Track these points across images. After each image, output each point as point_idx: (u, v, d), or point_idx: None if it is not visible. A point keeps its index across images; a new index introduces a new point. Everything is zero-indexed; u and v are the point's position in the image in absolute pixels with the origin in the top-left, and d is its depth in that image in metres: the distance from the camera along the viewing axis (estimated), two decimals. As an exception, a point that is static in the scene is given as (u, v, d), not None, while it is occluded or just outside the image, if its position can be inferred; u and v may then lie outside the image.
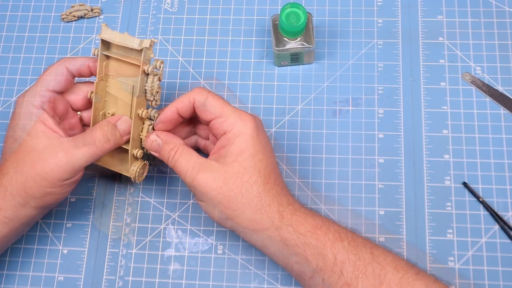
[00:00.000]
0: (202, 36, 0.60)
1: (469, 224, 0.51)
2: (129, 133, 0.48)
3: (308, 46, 0.54)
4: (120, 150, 0.50)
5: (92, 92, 0.49)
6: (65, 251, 0.53)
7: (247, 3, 0.61)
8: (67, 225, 0.54)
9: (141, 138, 0.50)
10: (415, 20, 0.59)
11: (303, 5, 0.59)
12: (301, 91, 0.57)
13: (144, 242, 0.53)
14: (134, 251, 0.53)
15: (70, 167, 0.45)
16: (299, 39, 0.54)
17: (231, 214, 0.44)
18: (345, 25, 0.59)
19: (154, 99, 0.49)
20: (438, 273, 0.49)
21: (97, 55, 0.48)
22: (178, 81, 0.58)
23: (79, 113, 0.52)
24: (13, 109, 0.58)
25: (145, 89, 0.48)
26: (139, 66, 0.47)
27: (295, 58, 0.56)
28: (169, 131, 0.49)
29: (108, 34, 0.47)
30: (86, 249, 0.53)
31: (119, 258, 0.53)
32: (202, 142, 0.52)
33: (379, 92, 0.56)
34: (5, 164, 0.46)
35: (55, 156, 0.44)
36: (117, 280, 0.52)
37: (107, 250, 0.53)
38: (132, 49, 0.47)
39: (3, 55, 0.61)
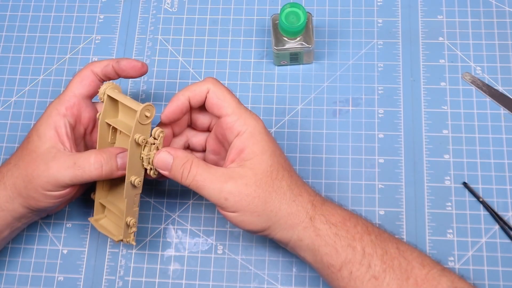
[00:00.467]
0: (202, 36, 0.60)
1: (469, 224, 0.51)
2: (125, 169, 0.45)
3: (308, 46, 0.54)
4: (116, 217, 0.48)
5: (99, 114, 0.47)
6: (65, 251, 0.53)
7: (247, 3, 0.61)
8: (67, 225, 0.54)
9: (142, 158, 0.45)
10: (415, 20, 0.59)
11: (303, 5, 0.59)
12: (301, 91, 0.57)
13: (144, 242, 0.53)
14: (134, 251, 0.53)
15: (54, 180, 0.44)
16: (298, 38, 0.54)
17: (269, 215, 0.43)
18: (345, 25, 0.59)
19: (151, 168, 0.46)
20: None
21: (98, 119, 0.46)
22: (178, 81, 0.58)
23: None
24: (13, 109, 0.59)
25: (142, 157, 0.45)
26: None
27: (295, 58, 0.56)
28: (174, 121, 0.47)
29: (113, 93, 0.46)
30: (86, 249, 0.53)
31: (119, 258, 0.53)
32: (197, 155, 0.50)
33: (379, 92, 0.56)
34: (12, 156, 0.47)
35: (46, 165, 0.44)
36: (117, 280, 0.52)
37: (107, 250, 0.53)
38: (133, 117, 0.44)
39: (3, 55, 0.61)
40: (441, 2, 0.59)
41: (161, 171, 0.45)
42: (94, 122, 0.49)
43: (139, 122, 0.44)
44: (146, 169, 0.46)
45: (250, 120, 0.44)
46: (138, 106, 0.44)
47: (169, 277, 0.52)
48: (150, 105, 0.44)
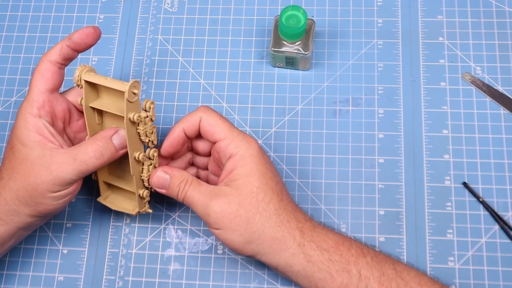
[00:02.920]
0: (202, 36, 0.60)
1: (469, 224, 0.51)
2: (125, 147, 0.46)
3: (304, 53, 0.54)
4: (125, 192, 0.50)
5: (82, 99, 0.46)
6: (65, 251, 0.53)
7: (247, 3, 0.61)
8: (67, 225, 0.54)
9: (142, 179, 0.48)
10: (415, 20, 0.59)
11: (303, 6, 0.59)
12: (301, 91, 0.57)
13: (144, 242, 0.53)
14: (134, 251, 0.53)
15: (60, 180, 0.44)
16: (296, 43, 0.54)
17: (251, 236, 0.43)
18: (345, 25, 0.59)
19: (150, 139, 0.47)
20: (438, 273, 0.49)
21: (82, 104, 0.46)
22: (178, 81, 0.58)
23: None
24: (13, 109, 0.59)
25: (138, 133, 0.46)
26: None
27: (290, 62, 0.56)
28: (174, 154, 0.49)
29: (92, 78, 0.45)
30: (86, 249, 0.53)
31: (119, 258, 0.53)
32: (202, 173, 0.51)
33: (379, 92, 0.56)
34: (1, 169, 0.46)
35: (46, 169, 0.44)
36: (117, 280, 0.52)
37: (107, 250, 0.53)
38: (118, 96, 0.45)
39: (3, 55, 0.61)
40: (441, 2, 0.59)
41: (158, 190, 0.48)
42: (70, 112, 0.48)
43: (129, 101, 0.44)
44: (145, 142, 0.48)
45: (242, 143, 0.45)
46: (123, 86, 0.44)
47: (169, 277, 0.52)
48: (135, 81, 0.44)
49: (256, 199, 0.43)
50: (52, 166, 0.44)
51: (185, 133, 0.47)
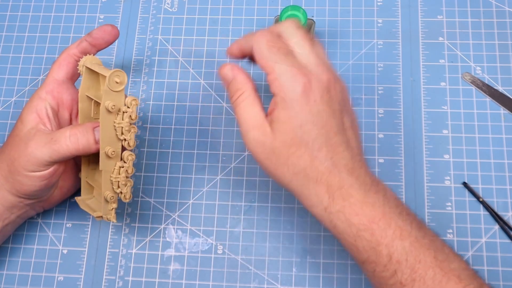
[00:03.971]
0: (202, 36, 0.60)
1: (469, 224, 0.51)
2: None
3: None
4: (98, 191, 0.49)
5: (82, 66, 0.46)
6: (65, 251, 0.53)
7: (247, 3, 0.61)
8: (67, 225, 0.54)
9: (112, 181, 0.46)
10: (415, 20, 0.59)
11: (303, 7, 0.59)
12: (301, 91, 0.57)
13: (144, 242, 0.53)
14: (134, 251, 0.53)
15: (33, 158, 0.44)
16: None
17: (279, 180, 0.41)
18: (345, 25, 0.59)
19: (125, 139, 0.45)
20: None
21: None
22: (178, 81, 0.58)
23: None
24: (13, 109, 0.59)
25: (114, 126, 0.44)
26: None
27: None
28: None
29: (90, 64, 0.45)
30: (86, 249, 0.53)
31: (119, 258, 0.53)
32: None
33: (379, 92, 0.56)
34: (2, 145, 0.48)
35: (26, 145, 0.45)
36: (117, 280, 0.52)
37: (107, 250, 0.53)
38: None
39: (3, 55, 0.61)
40: (441, 2, 0.59)
41: (221, 81, 0.44)
42: (77, 103, 0.49)
43: (110, 89, 0.43)
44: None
45: (287, 83, 0.40)
46: (108, 73, 0.43)
47: (169, 277, 0.52)
48: (119, 70, 0.43)
49: (288, 152, 0.40)
50: (30, 143, 0.45)
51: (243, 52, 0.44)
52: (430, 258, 0.38)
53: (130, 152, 0.46)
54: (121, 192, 0.47)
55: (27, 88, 0.59)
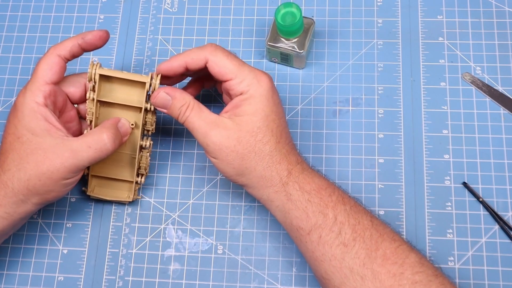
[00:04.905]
0: (202, 36, 0.60)
1: (469, 224, 0.51)
2: (128, 134, 0.49)
3: (299, 51, 0.54)
4: (118, 183, 0.52)
5: (89, 94, 0.48)
6: (65, 251, 0.53)
7: (247, 3, 0.61)
8: (67, 225, 0.54)
9: (140, 166, 0.52)
10: (415, 20, 0.59)
11: (303, 7, 0.59)
12: (301, 91, 0.57)
13: (144, 242, 0.53)
14: (134, 251, 0.53)
15: (75, 167, 0.45)
16: (293, 41, 0.54)
17: (243, 171, 0.45)
18: (345, 25, 0.59)
19: (151, 128, 0.50)
20: (438, 273, 0.49)
21: (91, 99, 0.48)
22: (178, 81, 0.58)
23: (76, 105, 0.51)
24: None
25: (146, 121, 0.50)
26: (137, 107, 0.49)
27: (285, 59, 0.56)
28: (168, 79, 0.50)
29: (106, 71, 0.48)
30: (86, 249, 0.53)
31: (119, 258, 0.53)
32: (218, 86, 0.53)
33: (379, 92, 0.56)
34: (5, 161, 0.46)
35: (61, 156, 0.44)
36: (117, 280, 0.52)
37: (107, 250, 0.53)
38: (126, 90, 0.49)
39: (3, 55, 0.61)
40: (441, 2, 0.59)
41: (160, 109, 0.48)
42: (65, 102, 0.50)
43: (147, 93, 0.48)
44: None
45: (253, 81, 0.45)
46: (144, 78, 0.48)
47: (169, 277, 0.52)
48: (154, 74, 0.48)
49: (255, 139, 0.45)
50: (66, 154, 0.45)
51: (186, 67, 0.48)
52: (367, 221, 0.43)
53: (150, 138, 0.51)
54: (145, 172, 0.52)
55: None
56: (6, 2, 0.63)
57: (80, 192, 0.55)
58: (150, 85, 0.48)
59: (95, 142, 0.46)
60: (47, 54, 0.47)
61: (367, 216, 0.44)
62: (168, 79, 0.50)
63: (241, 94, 0.46)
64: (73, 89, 0.50)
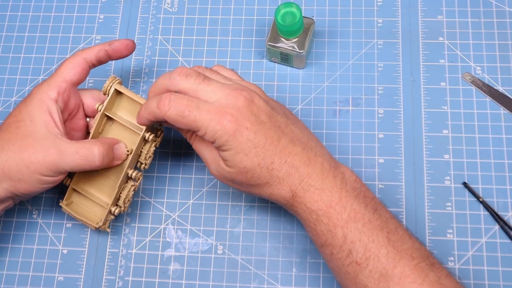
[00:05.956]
0: (202, 36, 0.60)
1: (469, 224, 0.51)
2: (121, 160, 0.48)
3: (299, 51, 0.54)
4: (94, 205, 0.50)
5: (100, 104, 0.48)
6: (65, 251, 0.53)
7: (247, 3, 0.61)
8: (67, 225, 0.54)
9: (120, 196, 0.49)
10: (415, 20, 0.59)
11: (303, 7, 0.59)
12: (301, 91, 0.57)
13: (144, 242, 0.53)
14: (134, 251, 0.53)
15: (54, 167, 0.45)
16: (293, 41, 0.54)
17: (251, 193, 0.46)
18: (345, 25, 0.59)
19: (145, 162, 0.49)
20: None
21: (98, 110, 0.48)
22: (178, 81, 0.58)
23: (88, 119, 0.52)
24: (13, 109, 0.58)
25: (141, 152, 0.49)
26: (139, 134, 0.48)
27: (285, 59, 0.56)
28: None
29: (122, 89, 0.48)
30: (86, 249, 0.53)
31: (119, 258, 0.53)
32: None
33: (379, 92, 0.56)
34: None
35: (46, 151, 0.44)
36: (117, 280, 0.52)
37: (107, 250, 0.53)
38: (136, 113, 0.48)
39: (3, 55, 0.61)
40: (441, 2, 0.59)
41: (173, 124, 0.45)
42: (78, 109, 0.50)
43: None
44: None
45: (216, 128, 0.42)
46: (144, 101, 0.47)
47: (169, 277, 0.52)
48: None
49: (246, 176, 0.44)
50: (52, 150, 0.44)
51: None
52: (382, 238, 0.41)
53: (141, 172, 0.50)
54: (124, 206, 0.50)
55: (27, 88, 0.59)
56: (6, 2, 0.63)
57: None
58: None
59: (83, 151, 0.45)
60: (73, 55, 0.49)
61: (383, 232, 0.42)
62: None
63: (213, 143, 0.43)
64: (90, 100, 0.50)
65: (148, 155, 0.49)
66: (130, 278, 0.52)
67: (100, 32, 0.61)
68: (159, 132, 0.50)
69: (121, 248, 0.53)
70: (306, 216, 0.43)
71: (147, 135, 0.47)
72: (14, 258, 0.53)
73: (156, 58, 0.59)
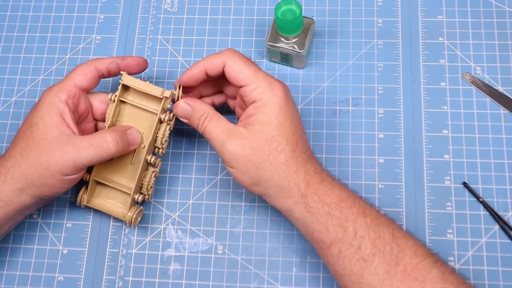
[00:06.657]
0: (202, 36, 0.60)
1: (469, 224, 0.51)
2: (137, 144, 0.49)
3: (299, 51, 0.54)
4: (117, 194, 0.51)
5: (112, 95, 0.49)
6: (65, 251, 0.53)
7: (247, 3, 0.61)
8: (67, 225, 0.54)
9: (142, 184, 0.50)
10: (415, 20, 0.59)
11: (303, 6, 0.59)
12: (301, 91, 0.57)
13: (144, 242, 0.53)
14: (134, 251, 0.53)
15: (73, 163, 0.45)
16: (293, 41, 0.54)
17: (259, 180, 0.45)
18: (345, 25, 0.59)
19: (162, 147, 0.50)
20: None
21: (113, 100, 0.49)
22: (178, 81, 0.58)
23: (96, 122, 0.52)
24: (13, 109, 0.58)
25: (156, 136, 0.50)
26: (155, 114, 0.49)
27: (285, 59, 0.56)
28: (192, 88, 0.50)
29: (130, 81, 0.49)
30: (86, 249, 0.53)
31: (119, 258, 0.53)
32: (231, 102, 0.53)
33: (379, 92, 0.56)
34: (14, 148, 0.47)
35: (62, 150, 0.45)
36: (117, 280, 0.52)
37: (107, 250, 0.53)
38: (149, 98, 0.49)
39: (3, 55, 0.61)
40: (441, 2, 0.59)
41: (181, 119, 0.49)
42: (88, 112, 0.51)
43: (164, 108, 0.49)
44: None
45: (267, 89, 0.45)
46: (159, 92, 0.48)
47: (169, 277, 0.52)
48: (172, 92, 0.49)
49: (269, 147, 0.44)
50: (68, 148, 0.45)
51: (206, 73, 0.48)
52: (388, 235, 0.42)
53: (159, 158, 0.51)
54: (147, 194, 0.51)
55: (27, 88, 0.59)
56: (6, 2, 0.63)
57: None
58: (172, 98, 0.49)
59: (97, 141, 0.46)
60: (86, 62, 0.50)
61: (389, 228, 0.43)
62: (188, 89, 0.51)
63: (254, 102, 0.46)
64: (98, 103, 0.51)
65: (164, 138, 0.50)
66: (130, 278, 0.52)
67: (100, 32, 0.61)
68: (172, 114, 0.50)
69: (121, 248, 0.53)
70: (318, 208, 0.43)
71: (162, 116, 0.48)
72: (14, 258, 0.53)
73: (156, 58, 0.59)
